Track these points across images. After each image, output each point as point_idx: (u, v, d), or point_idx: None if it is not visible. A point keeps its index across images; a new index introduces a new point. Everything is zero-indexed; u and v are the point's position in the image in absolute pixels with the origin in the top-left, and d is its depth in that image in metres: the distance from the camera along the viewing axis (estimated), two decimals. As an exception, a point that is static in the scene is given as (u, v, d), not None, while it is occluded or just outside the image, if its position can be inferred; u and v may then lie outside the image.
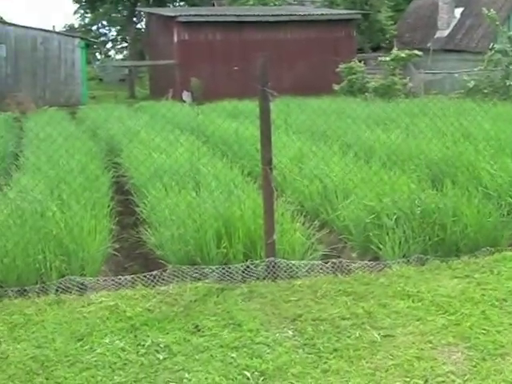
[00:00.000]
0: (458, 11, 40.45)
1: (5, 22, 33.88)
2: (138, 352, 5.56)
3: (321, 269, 7.29)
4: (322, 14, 35.94)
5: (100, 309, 6.45)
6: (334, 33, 33.55)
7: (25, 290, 6.95)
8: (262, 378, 5.12)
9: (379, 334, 5.73)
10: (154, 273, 7.16)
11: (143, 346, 5.65)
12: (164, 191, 9.24)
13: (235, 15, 34.27)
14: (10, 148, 15.68)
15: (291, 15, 35.41)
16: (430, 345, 5.54)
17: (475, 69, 26.30)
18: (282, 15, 35.12)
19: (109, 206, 9.30)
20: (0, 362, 5.50)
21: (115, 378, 5.18)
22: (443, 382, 5.00)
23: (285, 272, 7.15)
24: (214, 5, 49.73)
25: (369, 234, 7.87)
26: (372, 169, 10.25)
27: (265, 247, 7.27)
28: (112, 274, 7.55)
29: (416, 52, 28.53)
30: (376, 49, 40.72)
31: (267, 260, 7.18)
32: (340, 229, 8.55)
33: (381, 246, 7.63)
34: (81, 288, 6.99)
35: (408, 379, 5.03)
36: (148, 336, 5.82)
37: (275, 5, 45.46)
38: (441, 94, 25.02)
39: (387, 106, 20.31)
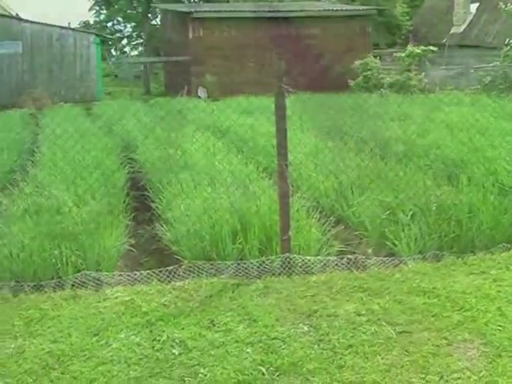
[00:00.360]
0: (474, 6, 40.24)
1: (21, 19, 33.97)
2: (153, 347, 5.58)
3: (336, 265, 7.29)
4: (338, 10, 35.85)
5: (116, 304, 6.47)
6: (350, 28, 33.45)
7: (41, 285, 6.98)
8: (277, 374, 5.13)
9: (394, 330, 5.72)
10: (170, 268, 7.18)
11: (159, 341, 5.67)
12: (179, 187, 9.26)
13: (250, 11, 34.23)
14: (27, 144, 15.73)
15: (306, 11, 35.33)
16: (446, 341, 5.53)
17: (491, 64, 26.16)
18: (297, 11, 35.05)
19: (124, 202, 9.34)
20: (16, 356, 5.54)
21: (131, 372, 5.20)
22: (459, 378, 4.99)
23: (300, 268, 7.16)
24: (228, 1, 49.71)
25: (384, 230, 7.86)
26: (387, 165, 10.23)
27: (280, 243, 7.28)
28: (128, 269, 7.57)
29: (431, 48, 28.41)
30: (391, 44, 40.60)
31: (283, 256, 7.18)
32: (355, 225, 8.55)
33: (396, 242, 7.62)
34: (97, 283, 7.01)
35: (423, 375, 5.03)
36: (163, 331, 5.83)
37: (291, 0, 45.38)
38: (456, 90, 24.92)
39: (403, 101, 20.24)
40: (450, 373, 5.03)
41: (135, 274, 7.18)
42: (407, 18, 41.78)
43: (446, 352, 5.34)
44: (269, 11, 34.57)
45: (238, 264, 7.17)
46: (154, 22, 52.29)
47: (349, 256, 7.41)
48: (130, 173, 11.79)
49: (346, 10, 36.41)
